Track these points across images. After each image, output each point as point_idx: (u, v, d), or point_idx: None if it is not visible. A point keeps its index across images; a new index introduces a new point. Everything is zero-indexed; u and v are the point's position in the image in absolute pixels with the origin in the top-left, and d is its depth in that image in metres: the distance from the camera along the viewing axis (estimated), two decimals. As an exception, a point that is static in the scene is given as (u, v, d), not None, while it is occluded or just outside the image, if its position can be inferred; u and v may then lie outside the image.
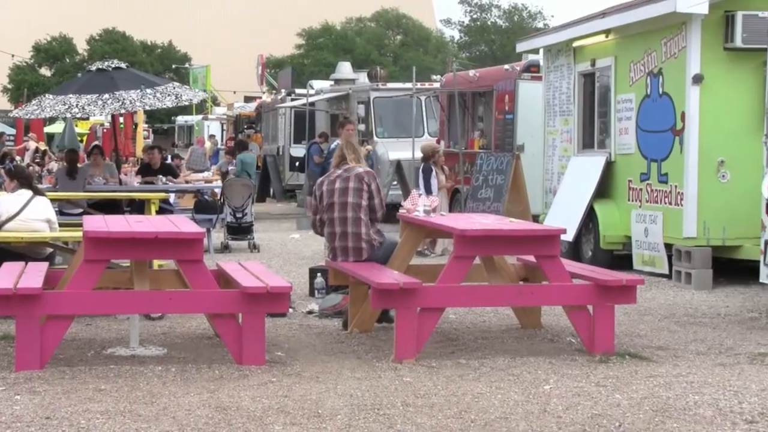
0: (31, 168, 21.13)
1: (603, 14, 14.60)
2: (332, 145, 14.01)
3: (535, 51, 18.00)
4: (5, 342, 8.84)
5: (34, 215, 10.73)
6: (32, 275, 8.39)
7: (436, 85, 23.06)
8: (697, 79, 12.48)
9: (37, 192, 11.13)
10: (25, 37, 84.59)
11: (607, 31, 14.50)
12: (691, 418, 6.50)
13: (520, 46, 18.37)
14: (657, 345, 8.98)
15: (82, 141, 35.43)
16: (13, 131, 36.61)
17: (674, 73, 12.88)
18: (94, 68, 15.83)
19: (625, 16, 13.87)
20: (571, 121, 15.47)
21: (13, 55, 64.51)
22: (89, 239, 8.05)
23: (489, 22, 79.30)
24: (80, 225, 9.64)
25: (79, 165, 16.64)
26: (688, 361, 8.31)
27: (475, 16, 79.92)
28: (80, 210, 14.75)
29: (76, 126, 35.16)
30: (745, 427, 6.30)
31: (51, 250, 11.07)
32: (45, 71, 79.32)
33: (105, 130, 33.00)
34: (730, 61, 12.52)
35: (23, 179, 11.19)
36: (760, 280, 10.69)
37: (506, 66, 19.04)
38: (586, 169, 14.61)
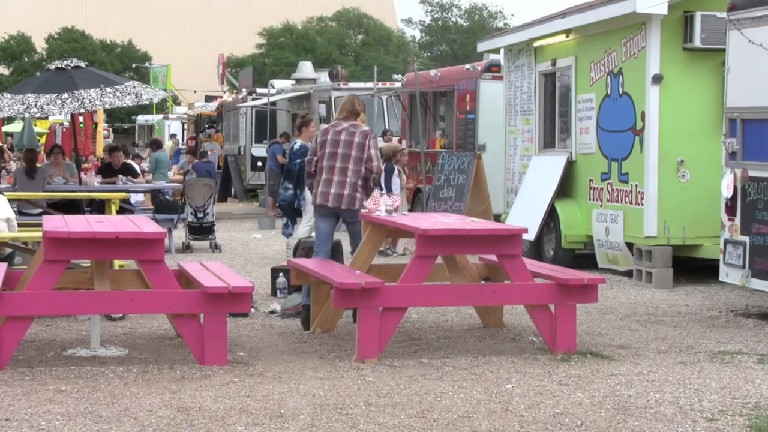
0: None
1: (563, 14, 14.65)
2: (294, 146, 14.00)
3: (496, 51, 18.07)
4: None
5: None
6: (-8, 275, 7.55)
7: (398, 84, 23.11)
8: (657, 79, 12.56)
9: (-4, 191, 10.41)
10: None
11: (567, 31, 14.56)
12: (652, 416, 6.54)
13: (481, 46, 18.43)
14: (618, 343, 9.03)
15: (41, 140, 35.12)
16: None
17: (634, 73, 12.95)
18: (52, 67, 15.60)
19: (586, 16, 13.94)
20: (532, 121, 15.53)
21: (-30, 55, 62.99)
22: (49, 239, 7.99)
23: (450, 22, 79.45)
24: (40, 225, 9.58)
25: (38, 165, 16.53)
26: (649, 359, 8.36)
27: (436, 15, 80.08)
28: (39, 210, 14.67)
29: (35, 125, 34.88)
30: (705, 425, 6.34)
31: (10, 250, 10.99)
32: (3, 70, 78.00)
33: (65, 130, 32.82)
34: (689, 61, 12.61)
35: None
36: (720, 279, 10.79)
37: (467, 66, 19.10)
38: (547, 169, 14.68)
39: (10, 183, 16.82)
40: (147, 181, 19.72)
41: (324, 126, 10.38)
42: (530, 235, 13.55)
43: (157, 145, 26.22)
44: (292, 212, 14.16)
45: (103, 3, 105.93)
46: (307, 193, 12.63)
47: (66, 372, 7.75)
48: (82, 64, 15.84)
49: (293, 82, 27.87)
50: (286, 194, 13.97)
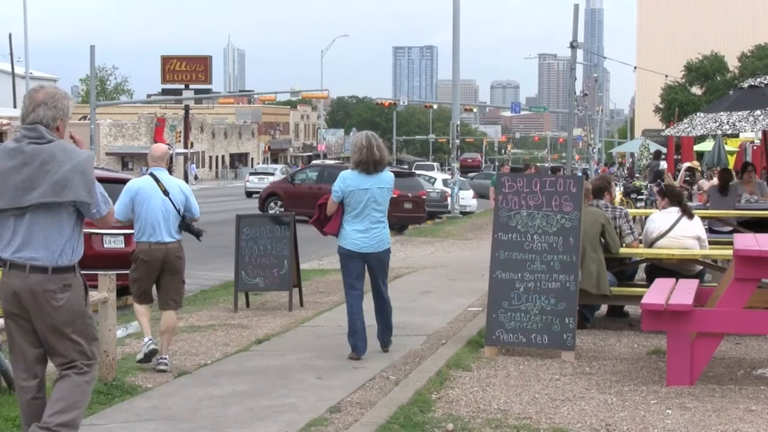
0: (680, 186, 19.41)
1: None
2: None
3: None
4: (656, 356, 9.30)
5: (683, 233, 11.11)
6: (683, 292, 8.71)
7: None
8: None
9: (686, 211, 11.39)
10: (676, 57, 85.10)
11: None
12: None
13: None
14: None
15: (730, 158, 33.38)
16: (665, 150, 37.96)
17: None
18: (745, 85, 14.48)
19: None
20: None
21: (666, 76, 67.14)
22: (739, 257, 8.10)
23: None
24: (730, 243, 9.94)
25: (730, 183, 16.56)
26: None
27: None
28: (730, 228, 14.47)
29: (725, 144, 33.99)
30: None
31: (701, 267, 11.27)
32: (696, 90, 78.37)
33: (755, 147, 31.26)
34: None
35: (673, 197, 11.46)
36: None
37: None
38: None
39: (702, 201, 17.72)
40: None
41: None
42: None
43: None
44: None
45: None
46: None
47: (756, 392, 7.84)
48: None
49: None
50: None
